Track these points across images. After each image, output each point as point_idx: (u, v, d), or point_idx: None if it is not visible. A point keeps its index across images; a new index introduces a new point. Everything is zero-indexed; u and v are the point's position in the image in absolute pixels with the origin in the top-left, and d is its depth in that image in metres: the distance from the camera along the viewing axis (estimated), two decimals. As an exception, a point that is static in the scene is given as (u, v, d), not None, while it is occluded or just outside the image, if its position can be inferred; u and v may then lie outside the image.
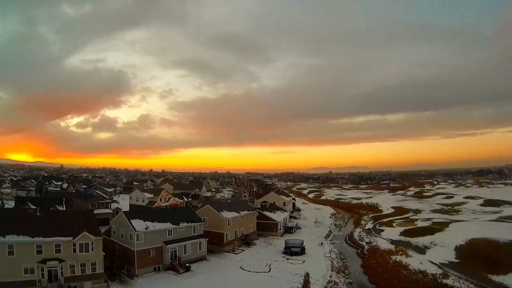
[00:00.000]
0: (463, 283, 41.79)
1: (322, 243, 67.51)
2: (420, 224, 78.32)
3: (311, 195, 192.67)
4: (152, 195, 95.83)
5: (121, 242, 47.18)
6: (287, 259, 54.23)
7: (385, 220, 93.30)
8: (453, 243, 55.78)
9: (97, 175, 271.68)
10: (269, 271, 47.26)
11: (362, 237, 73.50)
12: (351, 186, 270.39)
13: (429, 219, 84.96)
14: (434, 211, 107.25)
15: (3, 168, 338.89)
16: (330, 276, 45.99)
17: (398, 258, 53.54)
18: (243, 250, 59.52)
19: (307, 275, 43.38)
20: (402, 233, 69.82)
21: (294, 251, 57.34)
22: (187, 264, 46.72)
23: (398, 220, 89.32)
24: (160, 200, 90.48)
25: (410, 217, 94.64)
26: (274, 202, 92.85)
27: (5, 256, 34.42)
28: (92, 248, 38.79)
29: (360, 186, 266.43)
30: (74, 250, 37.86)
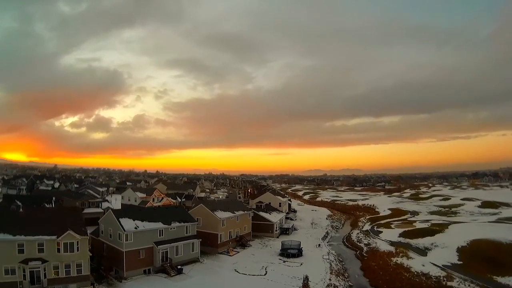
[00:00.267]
0: (469, 285, 40.19)
1: (319, 245, 65.64)
2: (418, 225, 76.85)
3: (306, 197, 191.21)
4: (144, 195, 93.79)
5: (109, 242, 44.79)
6: (284, 261, 52.18)
7: (382, 221, 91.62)
8: (454, 244, 54.30)
9: (90, 175, 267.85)
10: (266, 274, 45.13)
11: (360, 238, 71.70)
12: (346, 188, 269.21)
13: (427, 220, 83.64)
14: (432, 212, 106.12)
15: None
16: (330, 279, 44.01)
17: (399, 260, 51.78)
18: (238, 252, 57.42)
19: (306, 278, 41.30)
20: (401, 235, 68.19)
21: (291, 253, 55.40)
22: (179, 266, 44.40)
23: (396, 222, 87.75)
24: (153, 200, 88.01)
25: (408, 219, 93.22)
26: (269, 203, 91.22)
27: (-17, 255, 32.02)
28: (78, 248, 36.59)
29: (355, 188, 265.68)
30: (58, 250, 35.65)
